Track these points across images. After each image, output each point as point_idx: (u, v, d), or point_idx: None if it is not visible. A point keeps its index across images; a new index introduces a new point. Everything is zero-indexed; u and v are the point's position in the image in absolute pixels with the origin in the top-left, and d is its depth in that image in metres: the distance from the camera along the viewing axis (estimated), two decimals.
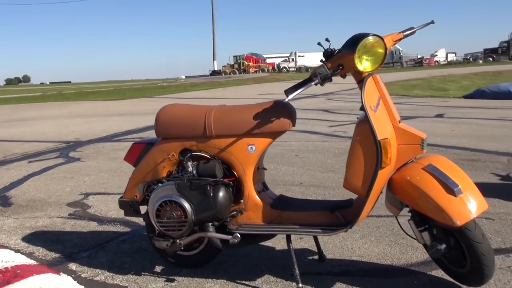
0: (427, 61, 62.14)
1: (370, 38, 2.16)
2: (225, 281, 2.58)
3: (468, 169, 4.78)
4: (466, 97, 14.06)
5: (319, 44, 2.31)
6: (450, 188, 2.10)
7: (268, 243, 3.03)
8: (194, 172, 2.48)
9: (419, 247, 2.83)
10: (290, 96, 2.18)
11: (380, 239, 3.07)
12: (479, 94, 13.58)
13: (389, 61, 61.21)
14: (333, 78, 2.25)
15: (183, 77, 66.49)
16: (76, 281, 2.64)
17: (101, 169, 5.74)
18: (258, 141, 2.42)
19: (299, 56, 62.54)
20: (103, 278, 2.70)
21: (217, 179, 2.43)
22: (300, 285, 2.35)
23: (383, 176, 2.21)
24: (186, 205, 2.42)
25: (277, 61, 62.93)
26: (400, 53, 61.53)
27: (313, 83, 2.22)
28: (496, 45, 60.92)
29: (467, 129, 7.49)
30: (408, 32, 2.36)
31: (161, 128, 2.56)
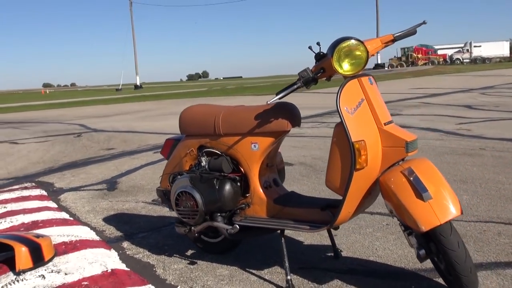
0: None
1: (348, 42, 2.20)
2: (236, 268, 2.79)
3: None
4: None
5: (309, 48, 2.39)
6: (419, 192, 2.06)
7: (299, 236, 3.17)
8: (207, 166, 2.73)
9: None
10: (274, 99, 2.31)
11: None
12: None
13: None
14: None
15: None
16: (118, 257, 3.06)
17: None
18: (261, 140, 2.58)
19: (474, 46, 57.33)
20: (141, 256, 3.08)
21: (224, 173, 2.65)
22: (288, 277, 2.47)
23: (362, 178, 2.23)
24: (197, 196, 2.68)
25: (449, 52, 58.54)
26: None
27: (295, 86, 2.32)
28: None
29: None
30: (398, 34, 2.34)
31: (183, 127, 2.86)
